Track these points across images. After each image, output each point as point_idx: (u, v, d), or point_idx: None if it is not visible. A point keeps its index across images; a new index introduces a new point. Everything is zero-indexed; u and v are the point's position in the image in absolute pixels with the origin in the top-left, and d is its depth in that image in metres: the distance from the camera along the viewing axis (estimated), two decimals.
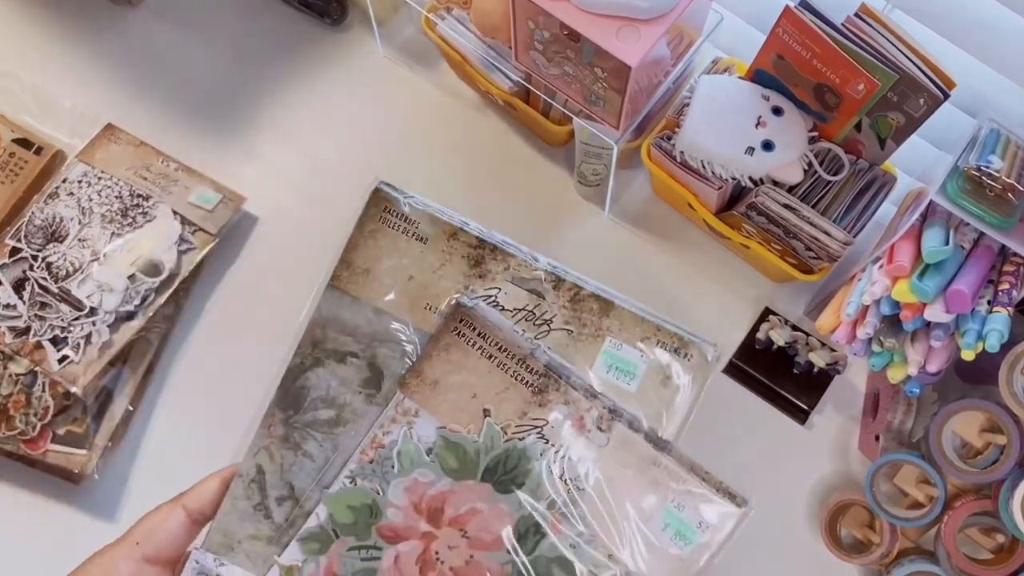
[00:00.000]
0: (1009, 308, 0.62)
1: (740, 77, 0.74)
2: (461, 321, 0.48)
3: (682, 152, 0.72)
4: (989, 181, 0.60)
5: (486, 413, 0.47)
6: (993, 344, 0.61)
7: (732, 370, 0.82)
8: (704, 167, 0.72)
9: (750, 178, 0.71)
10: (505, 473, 0.47)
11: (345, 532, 0.47)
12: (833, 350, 0.80)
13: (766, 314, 0.82)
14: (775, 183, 0.71)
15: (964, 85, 0.65)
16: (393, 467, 0.47)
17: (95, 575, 0.47)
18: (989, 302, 0.63)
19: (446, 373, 0.48)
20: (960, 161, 0.62)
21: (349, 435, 0.48)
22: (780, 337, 0.80)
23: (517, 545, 0.46)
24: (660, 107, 0.78)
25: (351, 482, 0.47)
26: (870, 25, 0.66)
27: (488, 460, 0.47)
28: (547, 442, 0.47)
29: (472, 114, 0.89)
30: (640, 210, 0.86)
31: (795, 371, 0.81)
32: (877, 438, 0.76)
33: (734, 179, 0.71)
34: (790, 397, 0.80)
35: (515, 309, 0.49)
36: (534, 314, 0.49)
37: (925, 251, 0.62)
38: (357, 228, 0.50)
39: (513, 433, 0.47)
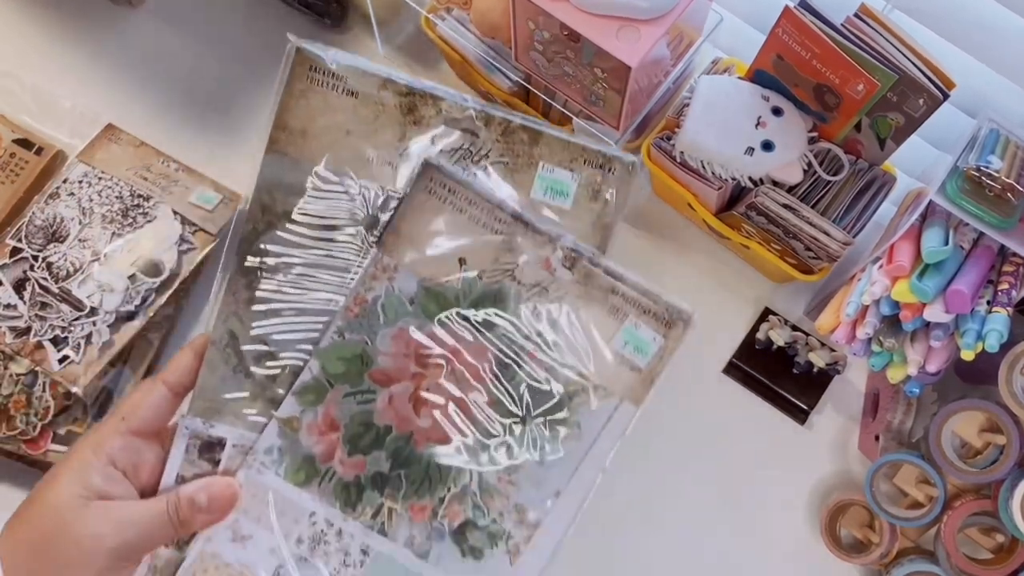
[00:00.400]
0: (1008, 308, 0.62)
1: (740, 77, 0.74)
2: (431, 179, 0.52)
3: (682, 152, 0.72)
4: (989, 181, 0.60)
5: (461, 263, 0.51)
6: (992, 344, 0.61)
7: (732, 370, 0.82)
8: (704, 167, 0.72)
9: (750, 178, 0.71)
10: (484, 313, 0.51)
11: (339, 381, 0.50)
12: (833, 350, 0.80)
13: (766, 314, 0.82)
14: (775, 183, 0.72)
15: (964, 85, 0.65)
16: (379, 319, 0.51)
17: (86, 451, 0.47)
18: (988, 302, 0.63)
19: (421, 229, 0.51)
20: (960, 161, 0.62)
21: (313, 288, 0.51)
22: (780, 337, 0.80)
23: (498, 375, 0.51)
24: (660, 107, 0.78)
25: (339, 336, 0.51)
26: (870, 25, 0.66)
27: (467, 303, 0.51)
28: (519, 283, 0.51)
29: None
30: (640, 210, 0.86)
31: (795, 371, 0.81)
32: (877, 438, 0.76)
33: (734, 179, 0.71)
34: (790, 397, 0.80)
35: (452, 149, 0.53)
36: (471, 151, 0.53)
37: (925, 251, 0.62)
38: (286, 91, 0.52)
39: (488, 277, 0.51)
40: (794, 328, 0.81)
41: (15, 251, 0.76)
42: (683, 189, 0.77)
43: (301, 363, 0.51)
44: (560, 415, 0.51)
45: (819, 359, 0.79)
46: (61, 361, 0.73)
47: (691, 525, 0.79)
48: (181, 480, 0.50)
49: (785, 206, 0.71)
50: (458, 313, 0.51)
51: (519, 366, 0.51)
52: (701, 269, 0.85)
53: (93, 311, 0.75)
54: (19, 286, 0.75)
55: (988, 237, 0.64)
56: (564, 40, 0.66)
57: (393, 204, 0.52)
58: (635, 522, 0.79)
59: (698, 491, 0.80)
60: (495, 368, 0.51)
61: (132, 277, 0.76)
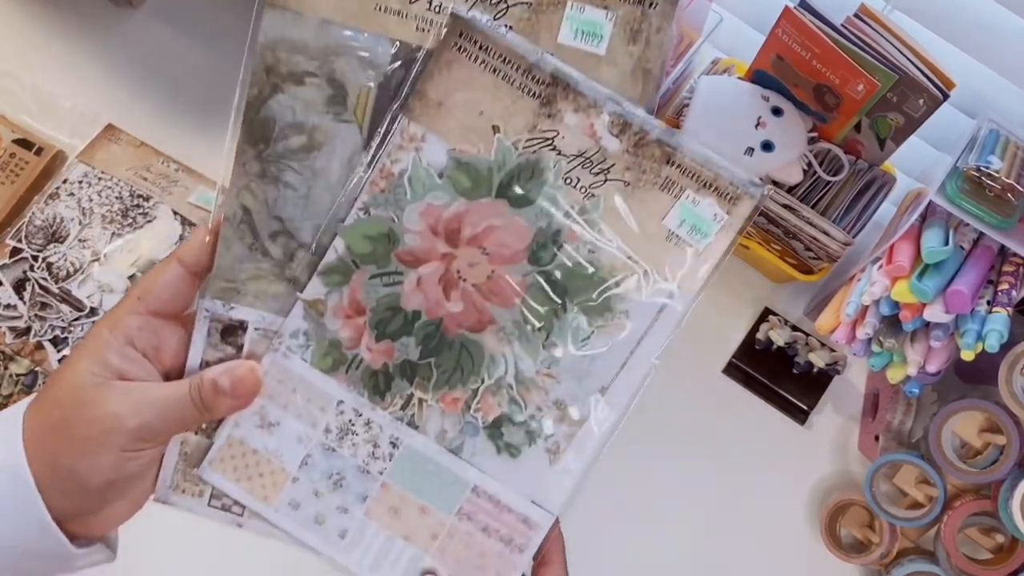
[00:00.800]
0: (1008, 308, 0.62)
1: (740, 78, 0.74)
2: (461, 35, 0.46)
3: None
4: (988, 181, 0.60)
5: (495, 130, 0.46)
6: (992, 344, 0.61)
7: (732, 370, 0.82)
8: None
9: None
10: (519, 187, 0.46)
11: (365, 261, 0.47)
12: (833, 350, 0.80)
13: (766, 314, 0.82)
14: (775, 183, 0.72)
15: (963, 86, 0.66)
16: (406, 194, 0.47)
17: (103, 330, 0.46)
18: (988, 302, 0.63)
19: (450, 92, 0.46)
20: (959, 161, 0.62)
21: (326, 158, 0.47)
22: (780, 337, 0.80)
23: (536, 256, 0.46)
24: (660, 107, 0.78)
25: (364, 213, 0.47)
26: (869, 26, 0.66)
27: (501, 176, 0.46)
28: (560, 153, 0.46)
29: None
30: None
31: (795, 371, 0.81)
32: (877, 438, 0.76)
33: None
34: (790, 397, 0.80)
35: None
36: None
37: (924, 251, 0.62)
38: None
39: (524, 147, 0.46)
40: (794, 328, 0.81)
41: (15, 251, 0.76)
42: None
43: (319, 240, 0.48)
44: (605, 302, 0.46)
45: (819, 359, 0.79)
46: (61, 361, 0.73)
47: (691, 525, 0.79)
48: (205, 365, 0.48)
49: (785, 206, 0.71)
50: (492, 187, 0.46)
51: (559, 247, 0.46)
52: None
53: (93, 311, 0.75)
54: (19, 286, 0.75)
55: (988, 237, 0.64)
56: None
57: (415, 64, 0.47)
58: (635, 521, 0.79)
59: (698, 491, 0.80)
60: (532, 248, 0.46)
61: (132, 277, 0.76)
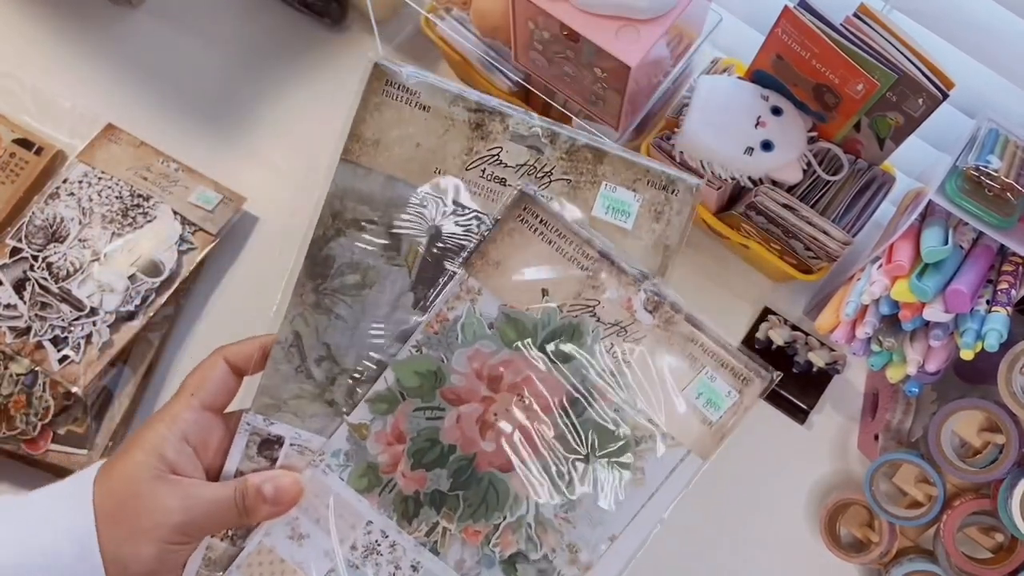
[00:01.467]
0: (1008, 308, 0.62)
1: (739, 77, 0.74)
2: (525, 208, 0.52)
3: (682, 152, 0.72)
4: (988, 181, 0.60)
5: (544, 293, 0.51)
6: (992, 344, 0.61)
7: None
8: (704, 167, 0.72)
9: (749, 178, 0.71)
10: (560, 345, 0.51)
11: (411, 395, 0.51)
12: (832, 350, 0.80)
13: (765, 314, 0.82)
14: (774, 183, 0.72)
15: (963, 85, 0.66)
16: (457, 338, 0.51)
17: (160, 426, 0.49)
18: (988, 302, 0.63)
19: (509, 256, 0.52)
20: (959, 161, 0.62)
21: (376, 295, 0.53)
22: (779, 337, 0.80)
23: (567, 409, 0.51)
24: (660, 107, 0.78)
25: (417, 351, 0.52)
26: (869, 25, 0.66)
27: (545, 334, 0.51)
28: (598, 320, 0.51)
29: None
30: None
31: (794, 371, 0.81)
32: (876, 437, 0.76)
33: (733, 179, 0.71)
34: (790, 397, 0.81)
35: (517, 165, 0.53)
36: (535, 168, 0.53)
37: (924, 251, 0.62)
38: (362, 104, 0.54)
39: (568, 311, 0.51)
40: (794, 328, 0.81)
41: (15, 251, 0.76)
42: None
43: (361, 369, 0.52)
44: (625, 459, 0.51)
45: (819, 359, 0.79)
46: (61, 361, 0.73)
47: (690, 524, 0.79)
48: (239, 475, 0.51)
49: (785, 206, 0.71)
50: (535, 342, 0.51)
51: (589, 404, 0.51)
52: (701, 269, 0.85)
53: (93, 311, 0.75)
54: (19, 286, 0.75)
55: (987, 237, 0.64)
56: (564, 40, 0.66)
57: (477, 226, 0.53)
58: None
59: (697, 490, 0.80)
60: (565, 403, 0.51)
61: (132, 277, 0.76)
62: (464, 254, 0.52)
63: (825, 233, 0.71)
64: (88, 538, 0.45)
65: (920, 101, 0.65)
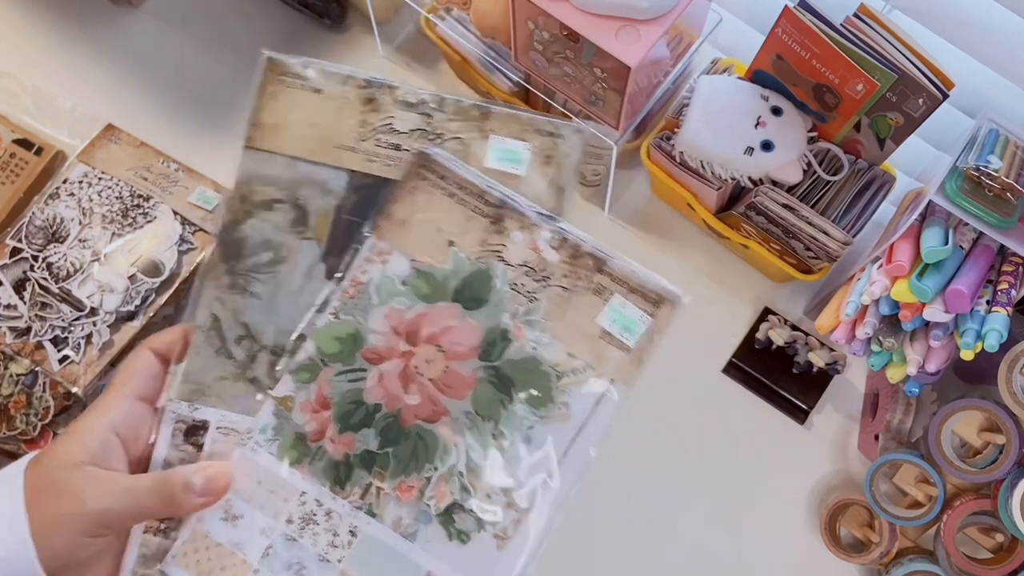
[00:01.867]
0: (1008, 308, 0.62)
1: (739, 77, 0.74)
2: (423, 167, 0.54)
3: (681, 152, 0.72)
4: (988, 181, 0.60)
5: (451, 244, 0.53)
6: (992, 344, 0.61)
7: (732, 370, 0.82)
8: (703, 167, 0.72)
9: (749, 178, 0.71)
10: (471, 292, 0.52)
11: (332, 360, 0.52)
12: (832, 350, 0.80)
13: (765, 314, 0.82)
14: (774, 183, 0.72)
15: (963, 85, 0.66)
16: (372, 300, 0.52)
17: (90, 417, 0.49)
18: (988, 302, 0.63)
19: (413, 213, 0.53)
20: (959, 161, 0.62)
21: (288, 270, 0.54)
22: (779, 337, 0.80)
23: (487, 352, 0.52)
24: (660, 107, 0.78)
25: (335, 317, 0.52)
26: (869, 25, 0.66)
27: (456, 283, 0.52)
28: (506, 263, 0.53)
29: None
30: (640, 210, 0.86)
31: (794, 371, 0.81)
32: (876, 437, 0.76)
33: (733, 179, 0.71)
34: (790, 397, 0.80)
35: (410, 131, 0.56)
36: (427, 131, 0.56)
37: (924, 251, 0.62)
38: (259, 94, 0.57)
39: (476, 258, 0.53)
40: (794, 328, 0.81)
41: (15, 251, 0.76)
42: (683, 189, 0.77)
43: (280, 343, 0.53)
44: (547, 394, 0.52)
45: (819, 359, 0.79)
46: (61, 361, 0.73)
47: (691, 524, 0.79)
48: (167, 465, 0.51)
49: (785, 206, 0.71)
50: (447, 292, 0.53)
51: (506, 344, 0.52)
52: (701, 269, 0.85)
53: (93, 311, 0.75)
54: (19, 286, 0.75)
55: (987, 237, 0.64)
56: (564, 40, 0.66)
57: (379, 192, 0.55)
58: (634, 521, 0.79)
59: (698, 490, 0.80)
60: (483, 346, 0.52)
61: (132, 277, 0.76)
62: (370, 219, 0.54)
63: (825, 233, 0.71)
64: (18, 522, 0.45)
65: (920, 101, 0.65)
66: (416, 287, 0.53)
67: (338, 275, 0.53)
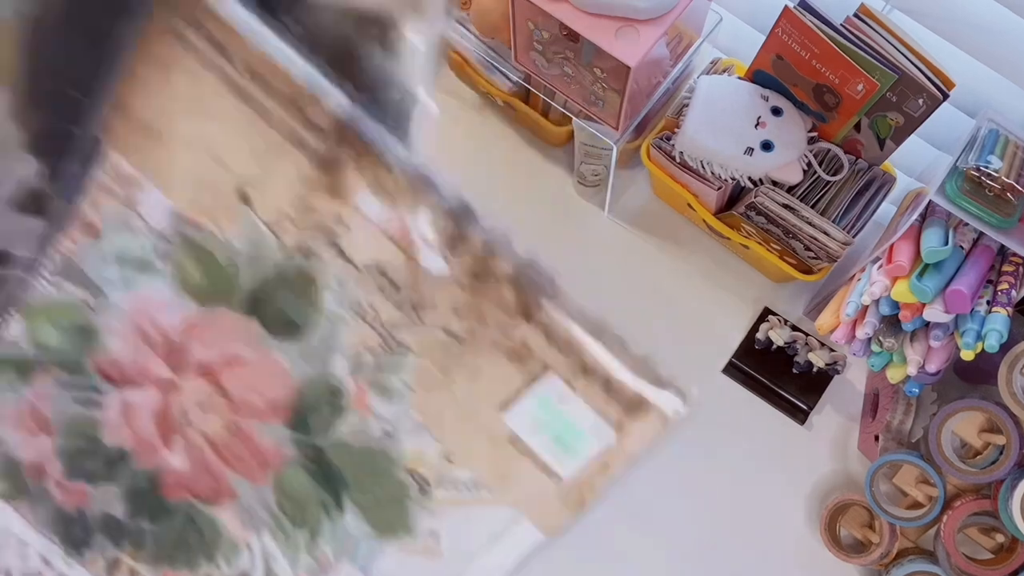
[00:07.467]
0: (1008, 308, 0.62)
1: (739, 77, 0.74)
2: (185, 16, 0.25)
3: (681, 152, 0.72)
4: (988, 181, 0.60)
5: (244, 199, 0.27)
6: (992, 344, 0.61)
7: (732, 370, 0.82)
8: (703, 167, 0.72)
9: (749, 178, 0.71)
10: (278, 304, 0.28)
11: (50, 358, 0.32)
12: (832, 350, 0.80)
13: (765, 314, 0.82)
14: (774, 183, 0.72)
15: (963, 85, 0.65)
16: (108, 267, 0.30)
17: None
18: (988, 302, 0.63)
19: (172, 115, 0.27)
20: (959, 161, 0.62)
21: None
22: (779, 337, 0.80)
23: (303, 419, 0.30)
24: (659, 107, 0.78)
25: (55, 287, 0.31)
26: (869, 25, 0.66)
27: (253, 280, 0.28)
28: (346, 259, 0.27)
29: (472, 115, 0.89)
30: (640, 210, 0.86)
31: (794, 371, 0.81)
32: (876, 438, 0.76)
33: (733, 179, 0.71)
34: (790, 397, 0.80)
35: None
36: None
37: (924, 251, 0.62)
38: None
39: (292, 239, 0.27)
40: (794, 328, 0.81)
41: None
42: (683, 189, 0.77)
43: None
44: (402, 514, 0.30)
45: (819, 359, 0.79)
46: None
47: (691, 524, 0.79)
48: None
49: (785, 206, 0.71)
50: (237, 297, 0.29)
51: (336, 414, 0.29)
52: (701, 269, 0.85)
53: None
54: None
55: (988, 237, 0.64)
56: (564, 40, 0.66)
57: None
58: (634, 522, 0.79)
59: (698, 490, 0.80)
60: (296, 405, 0.30)
61: None
62: (96, 97, 0.27)
63: (825, 233, 0.71)
64: None
65: (920, 101, 0.65)
66: (182, 267, 0.28)
67: (62, 196, 0.29)
